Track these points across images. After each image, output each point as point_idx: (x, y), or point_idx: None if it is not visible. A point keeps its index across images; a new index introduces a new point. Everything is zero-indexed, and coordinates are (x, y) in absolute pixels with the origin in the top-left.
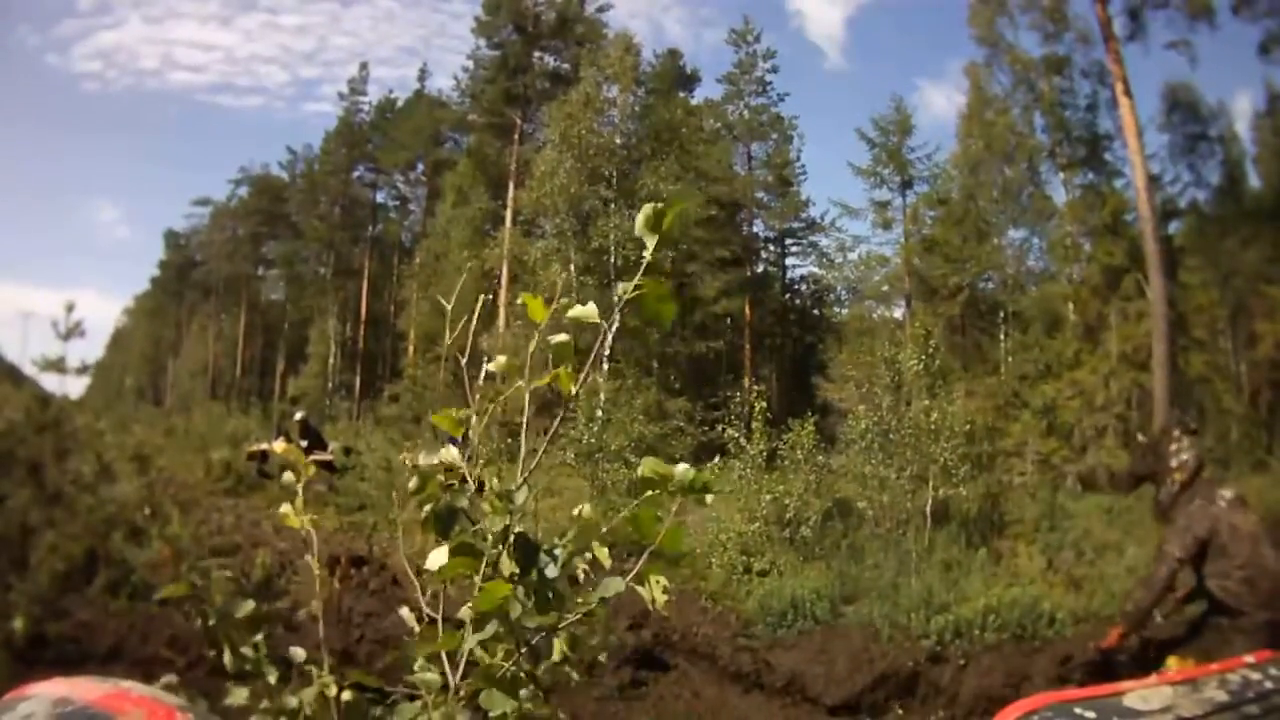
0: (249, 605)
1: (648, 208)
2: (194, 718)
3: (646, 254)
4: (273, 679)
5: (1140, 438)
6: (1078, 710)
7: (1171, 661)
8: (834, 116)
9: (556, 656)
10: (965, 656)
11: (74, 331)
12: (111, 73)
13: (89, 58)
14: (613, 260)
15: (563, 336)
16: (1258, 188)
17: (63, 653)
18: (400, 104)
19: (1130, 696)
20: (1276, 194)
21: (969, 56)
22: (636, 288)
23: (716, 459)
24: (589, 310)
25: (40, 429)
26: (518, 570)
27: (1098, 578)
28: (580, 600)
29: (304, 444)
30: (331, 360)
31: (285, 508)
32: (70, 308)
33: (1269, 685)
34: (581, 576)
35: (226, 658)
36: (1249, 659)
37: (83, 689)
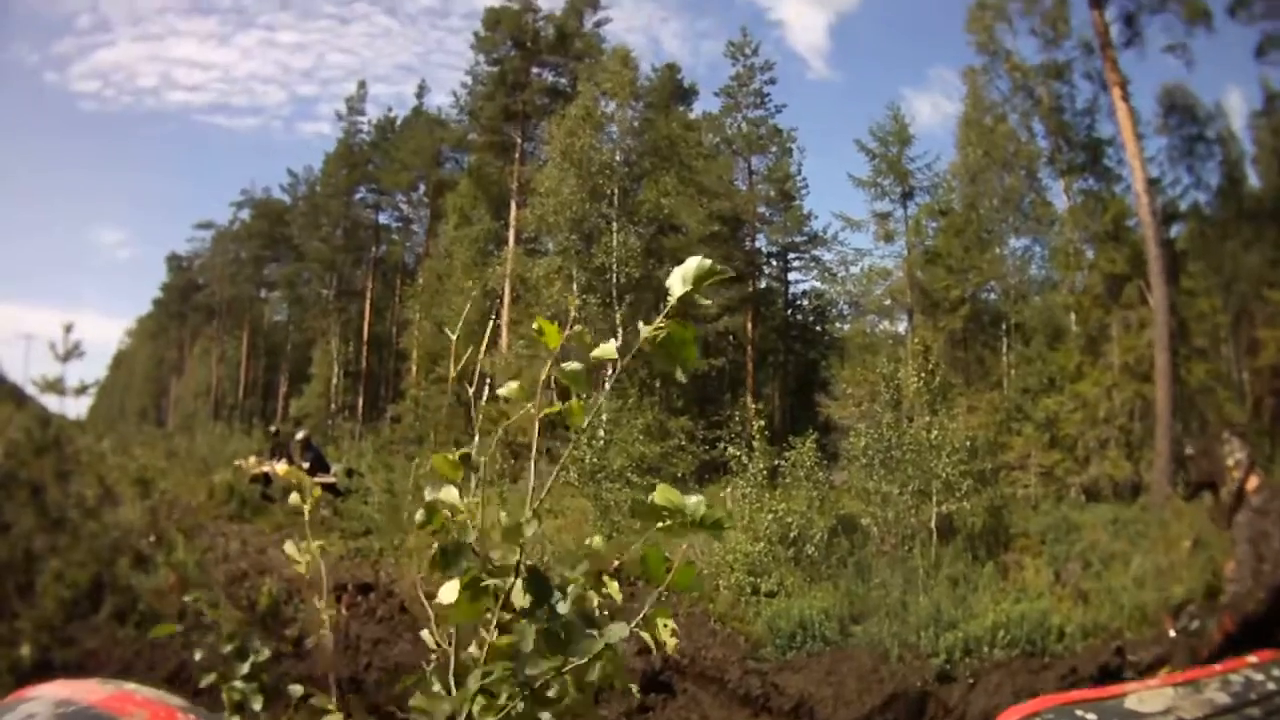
0: (234, 643)
1: (688, 266)
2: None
3: (672, 298)
4: (258, 706)
5: (1188, 450)
6: (1079, 713)
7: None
8: (820, 126)
9: (566, 697)
10: (974, 675)
11: (73, 353)
12: (109, 91)
13: (87, 76)
14: (615, 279)
15: (575, 365)
16: (1257, 188)
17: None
18: (399, 122)
19: (1131, 699)
20: (1276, 193)
21: (952, 64)
22: (659, 325)
23: (722, 478)
24: (608, 350)
25: (40, 451)
26: (528, 605)
27: (1105, 590)
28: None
29: (306, 464)
30: (334, 381)
31: (289, 548)
32: (69, 329)
33: (1271, 686)
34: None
35: (224, 693)
36: (1251, 659)
37: (85, 691)
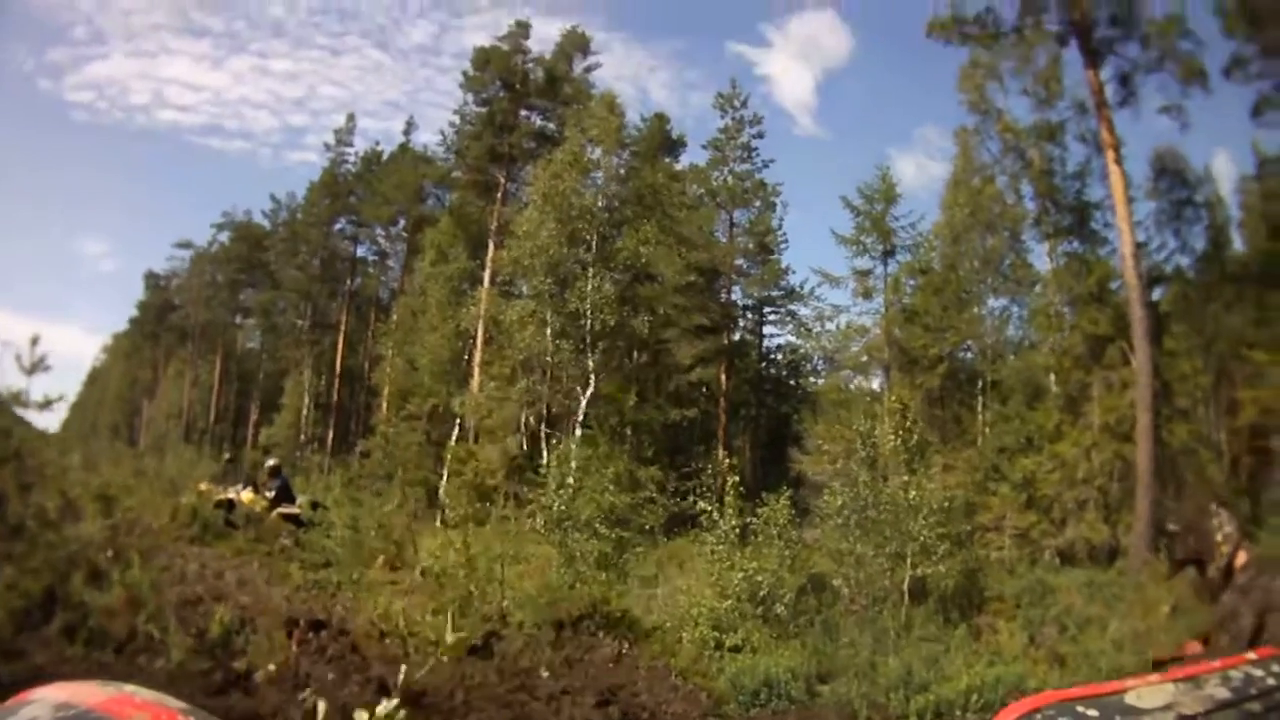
0: None
1: None
2: None
3: None
4: None
5: (1171, 526)
6: (1079, 708)
7: None
8: (803, 181)
9: None
10: None
11: (38, 366)
12: (102, 104)
13: (80, 87)
14: (589, 325)
15: None
16: (1241, 251)
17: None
18: (385, 157)
19: (1132, 694)
20: (1260, 257)
21: (939, 124)
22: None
23: (691, 531)
24: None
25: (1, 461)
26: None
27: (1082, 654)
28: None
29: (272, 493)
30: (304, 412)
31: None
32: (35, 341)
33: (1271, 682)
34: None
35: None
36: (1251, 655)
37: (85, 694)
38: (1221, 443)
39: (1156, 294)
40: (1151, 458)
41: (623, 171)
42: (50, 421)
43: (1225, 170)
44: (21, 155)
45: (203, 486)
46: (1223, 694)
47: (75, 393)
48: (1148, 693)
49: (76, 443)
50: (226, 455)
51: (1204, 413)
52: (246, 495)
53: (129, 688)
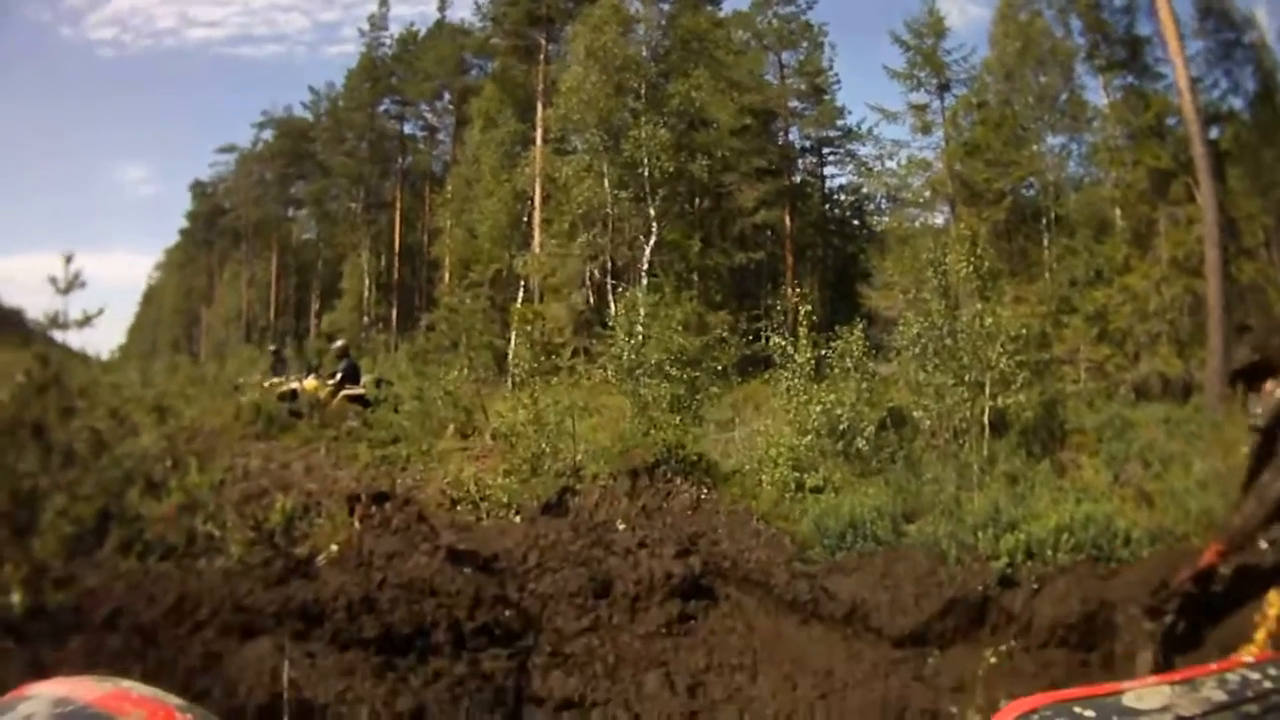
0: None
1: None
2: (195, 719)
3: None
4: None
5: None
6: (1076, 709)
7: (1274, 597)
8: (844, 27)
9: None
10: (1038, 580)
11: (74, 284)
12: (127, 37)
13: (103, 24)
14: (647, 173)
15: None
16: None
17: (57, 624)
18: (422, 35)
19: (1129, 695)
20: None
21: None
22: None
23: (764, 372)
24: None
25: (41, 389)
26: None
27: (1168, 493)
28: None
29: (340, 369)
30: (366, 295)
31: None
32: (69, 259)
33: (1268, 685)
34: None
35: None
36: (1248, 658)
37: (83, 689)
38: None
39: (1214, 133)
40: (1221, 293)
41: (663, 21)
42: (104, 345)
43: (1265, 22)
44: (53, 103)
45: (257, 379)
46: (1220, 696)
47: (131, 315)
48: (1145, 694)
49: (134, 362)
50: (272, 347)
51: (1266, 254)
52: (310, 383)
53: (126, 683)
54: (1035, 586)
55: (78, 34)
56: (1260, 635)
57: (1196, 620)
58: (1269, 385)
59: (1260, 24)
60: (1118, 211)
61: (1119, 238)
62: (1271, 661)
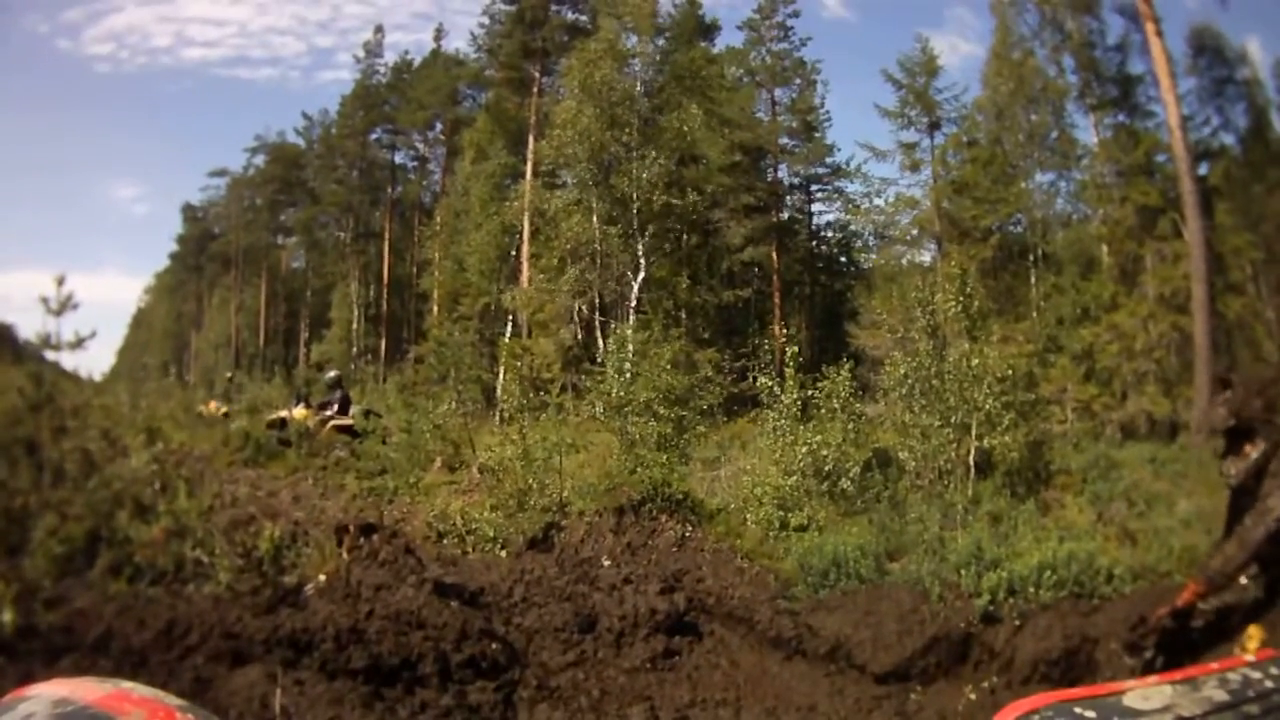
0: None
1: None
2: (194, 719)
3: None
4: None
5: (1231, 376)
6: (1077, 710)
7: (1253, 630)
8: (835, 65)
9: None
10: (1021, 616)
11: (66, 305)
12: (124, 53)
13: (100, 40)
14: (636, 208)
15: None
16: None
17: (49, 644)
18: (417, 64)
19: (1130, 696)
20: None
21: (969, 3)
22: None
23: (750, 411)
24: None
25: (34, 408)
26: None
27: (1152, 531)
28: None
29: (334, 398)
30: (355, 325)
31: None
32: (60, 280)
33: (1269, 684)
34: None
35: None
36: (1249, 657)
37: (83, 690)
38: (1271, 321)
39: (1203, 169)
40: (1208, 330)
41: (658, 57)
42: (92, 366)
43: (1257, 56)
44: (45, 117)
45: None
46: (1221, 696)
47: (121, 338)
48: (1146, 694)
49: (123, 384)
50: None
51: (1254, 289)
52: (299, 412)
53: (126, 684)
54: (1017, 623)
55: (75, 47)
56: None
57: (1176, 656)
58: (1248, 448)
59: (1253, 61)
60: (1105, 248)
61: (1106, 275)
62: (1272, 661)
